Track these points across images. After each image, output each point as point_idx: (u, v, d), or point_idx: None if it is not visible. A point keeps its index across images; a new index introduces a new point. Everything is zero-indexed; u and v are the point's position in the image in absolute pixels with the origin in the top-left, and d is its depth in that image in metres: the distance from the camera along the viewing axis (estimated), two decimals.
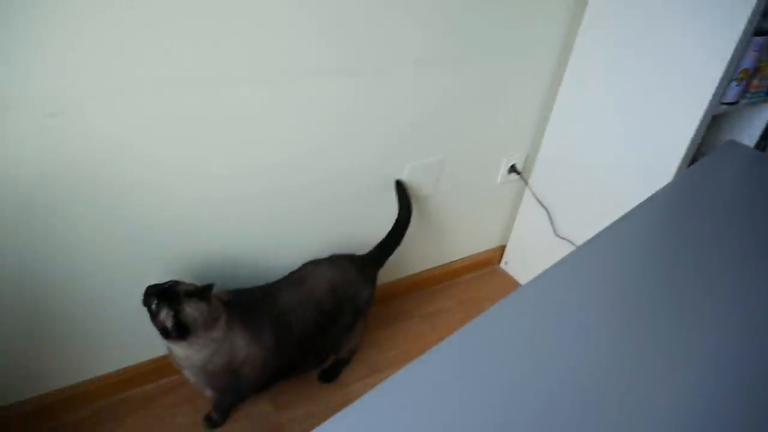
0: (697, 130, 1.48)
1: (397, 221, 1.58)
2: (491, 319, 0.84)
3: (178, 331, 1.18)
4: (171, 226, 1.31)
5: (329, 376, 1.61)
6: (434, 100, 1.53)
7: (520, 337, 0.81)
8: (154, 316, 1.18)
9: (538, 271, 2.06)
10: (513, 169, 1.88)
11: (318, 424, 1.58)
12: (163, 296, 1.18)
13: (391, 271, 1.84)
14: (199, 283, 1.24)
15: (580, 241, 1.78)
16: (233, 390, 1.35)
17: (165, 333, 1.18)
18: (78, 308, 1.30)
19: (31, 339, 1.28)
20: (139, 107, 1.12)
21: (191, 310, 1.19)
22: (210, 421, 1.44)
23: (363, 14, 1.27)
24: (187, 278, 1.31)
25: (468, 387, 0.71)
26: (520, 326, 0.84)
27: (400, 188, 1.60)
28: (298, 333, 1.34)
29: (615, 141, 1.65)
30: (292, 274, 1.44)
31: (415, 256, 1.89)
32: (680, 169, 1.53)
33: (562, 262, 0.99)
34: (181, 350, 1.23)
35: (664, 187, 1.20)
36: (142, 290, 1.22)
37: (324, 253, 1.52)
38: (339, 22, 1.25)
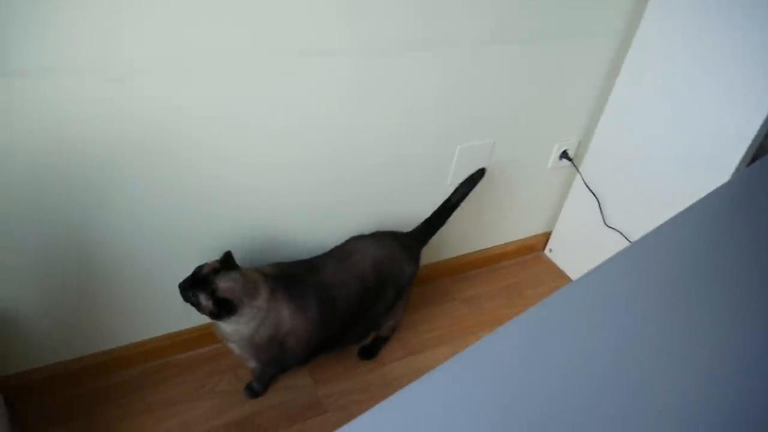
0: (762, 125, 1.41)
1: (448, 201, 1.56)
2: (542, 312, 0.83)
3: (224, 309, 1.20)
4: (222, 198, 1.32)
5: (369, 352, 1.62)
6: (491, 81, 1.49)
7: (571, 332, 0.79)
8: (198, 306, 1.21)
9: (584, 259, 2.04)
10: (564, 155, 1.84)
11: (353, 400, 1.61)
12: (194, 285, 1.20)
13: (433, 252, 1.83)
14: (247, 261, 1.26)
15: (629, 232, 1.76)
16: (277, 362, 1.37)
17: (215, 315, 1.21)
18: (124, 273, 1.33)
19: (77, 302, 1.33)
20: (201, 79, 1.13)
21: (224, 283, 1.21)
22: (251, 391, 1.47)
23: None
24: (237, 251, 1.33)
25: (514, 380, 0.70)
26: (572, 320, 0.82)
27: (477, 174, 1.56)
28: (342, 307, 1.35)
29: (672, 133, 1.59)
30: (336, 249, 1.44)
31: (458, 238, 1.87)
32: (741, 165, 1.47)
33: (616, 257, 0.96)
34: (230, 326, 1.25)
35: (724, 185, 1.15)
36: (192, 259, 1.25)
37: (367, 230, 1.52)
38: None
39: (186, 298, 1.22)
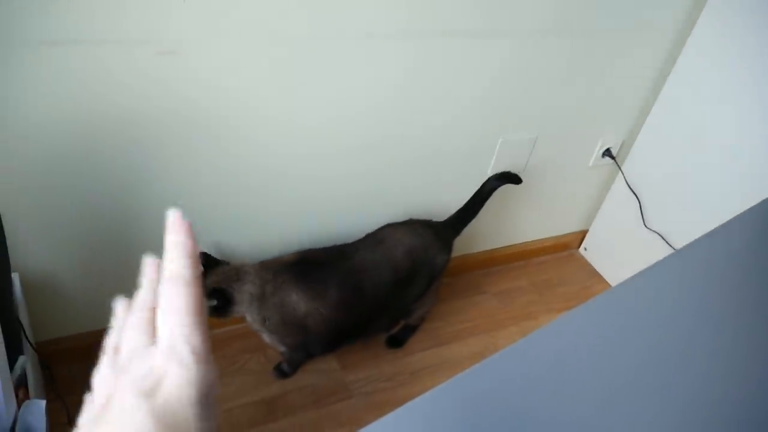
0: None
1: (479, 193, 1.53)
2: (580, 317, 0.81)
3: (220, 298, 1.24)
4: (258, 180, 1.33)
5: (397, 341, 1.62)
6: (539, 74, 1.46)
7: (607, 340, 0.78)
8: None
9: (619, 260, 2.00)
10: (607, 153, 1.80)
11: (379, 388, 1.60)
12: None
13: (467, 245, 1.82)
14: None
15: (670, 235, 1.71)
16: (303, 346, 1.39)
17: (220, 309, 1.26)
18: (160, 246, 1.34)
19: (113, 272, 1.34)
20: (247, 56, 1.13)
21: (210, 279, 1.26)
22: (280, 372, 1.48)
23: None
24: (268, 235, 1.33)
25: (544, 388, 0.69)
26: (610, 328, 0.80)
27: (514, 177, 1.54)
28: (370, 294, 1.35)
29: (722, 137, 1.53)
30: (368, 236, 1.44)
31: (493, 232, 1.85)
32: None
33: (660, 264, 0.93)
34: (248, 316, 1.30)
35: None
36: (223, 237, 1.31)
37: (403, 217, 1.51)
38: None
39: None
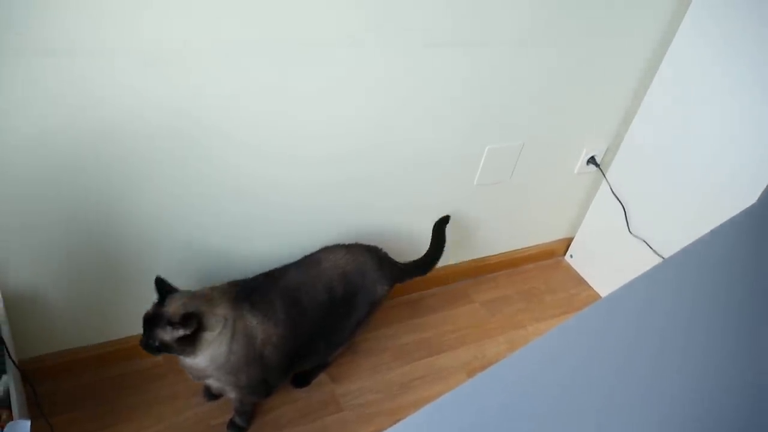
0: None
1: (424, 260, 1.58)
2: (572, 329, 0.81)
3: (190, 325, 1.11)
4: (248, 192, 1.32)
5: (304, 379, 1.52)
6: (524, 83, 1.47)
7: (601, 351, 0.78)
8: (167, 347, 1.13)
9: (605, 266, 2.00)
10: (592, 160, 1.81)
11: (371, 400, 1.59)
12: (150, 330, 1.14)
13: (454, 254, 1.82)
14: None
15: (655, 242, 1.73)
16: (259, 383, 1.29)
17: (187, 339, 1.13)
18: (146, 261, 1.32)
19: (100, 288, 1.32)
20: (230, 66, 1.12)
21: (172, 307, 1.14)
22: (235, 428, 1.38)
23: None
24: (259, 242, 1.32)
25: (541, 398, 0.68)
26: (603, 339, 0.80)
27: (440, 229, 1.58)
28: (310, 313, 1.30)
29: (705, 145, 1.55)
30: (305, 257, 1.39)
31: (480, 240, 1.85)
32: None
33: (649, 274, 0.93)
34: (205, 351, 1.16)
35: (758, 203, 1.12)
36: (213, 248, 1.28)
37: (384, 234, 1.51)
38: None
39: (156, 350, 1.12)
